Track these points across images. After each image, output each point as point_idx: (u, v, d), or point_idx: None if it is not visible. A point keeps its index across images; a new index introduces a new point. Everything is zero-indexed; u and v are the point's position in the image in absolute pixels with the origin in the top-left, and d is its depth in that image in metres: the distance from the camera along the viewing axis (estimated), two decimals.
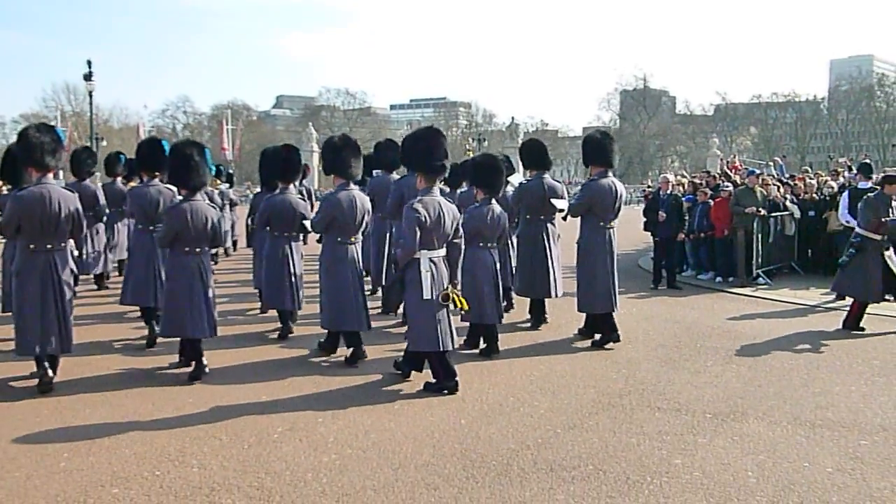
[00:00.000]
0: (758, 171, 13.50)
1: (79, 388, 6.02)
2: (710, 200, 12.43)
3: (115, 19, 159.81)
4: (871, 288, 8.27)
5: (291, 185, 8.21)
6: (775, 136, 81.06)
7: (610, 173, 7.78)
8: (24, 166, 6.15)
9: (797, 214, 12.85)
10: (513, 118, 63.06)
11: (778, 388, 6.11)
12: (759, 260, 11.89)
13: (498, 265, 7.19)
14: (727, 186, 12.73)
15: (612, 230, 7.67)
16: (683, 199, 12.29)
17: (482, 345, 7.26)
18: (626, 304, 10.13)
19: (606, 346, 7.52)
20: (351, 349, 6.88)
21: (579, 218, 7.82)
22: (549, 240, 8.35)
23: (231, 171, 20.13)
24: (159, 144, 8.12)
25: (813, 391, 6.02)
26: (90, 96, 36.31)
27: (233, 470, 4.38)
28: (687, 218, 12.02)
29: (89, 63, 34.01)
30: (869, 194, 8.84)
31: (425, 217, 5.76)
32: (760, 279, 11.78)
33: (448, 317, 5.95)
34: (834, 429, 5.12)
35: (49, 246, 5.91)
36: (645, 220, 12.09)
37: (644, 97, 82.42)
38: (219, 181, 14.91)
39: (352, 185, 6.96)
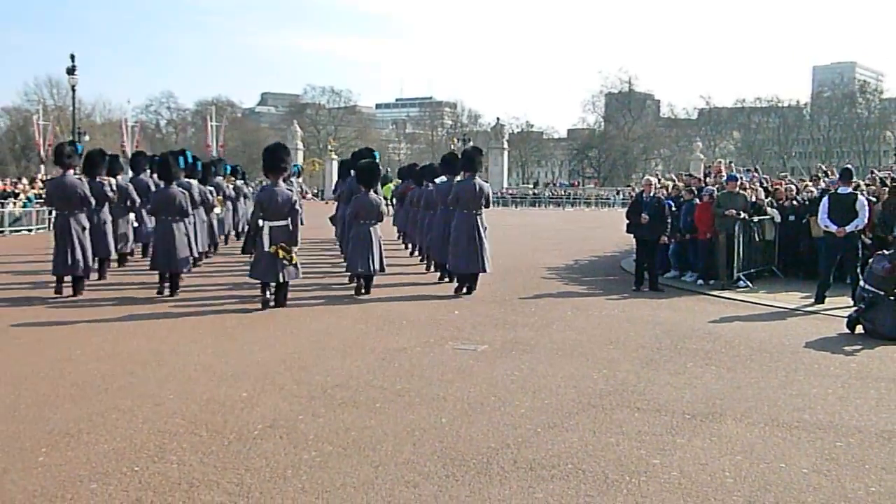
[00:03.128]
0: (738, 176, 13.60)
1: (56, 382, 5.98)
2: (696, 198, 12.56)
3: (98, 14, 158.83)
4: None
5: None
6: (758, 140, 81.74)
7: (477, 176, 11.10)
8: None
9: (777, 219, 12.97)
10: (498, 119, 62.67)
11: (756, 389, 6.17)
12: (741, 263, 11.99)
13: (377, 235, 10.60)
14: (711, 189, 12.83)
15: (478, 216, 10.88)
16: (666, 202, 12.37)
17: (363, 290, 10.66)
18: (608, 306, 10.22)
19: (464, 293, 10.62)
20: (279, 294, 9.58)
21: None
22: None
23: (243, 169, 23.82)
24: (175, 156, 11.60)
25: (790, 393, 6.08)
26: (73, 90, 36.01)
27: (212, 466, 4.37)
28: (670, 220, 12.09)
29: (72, 57, 33.65)
30: None
31: (262, 200, 9.43)
32: (741, 282, 11.88)
33: (272, 260, 9.17)
34: (810, 430, 5.18)
35: None
36: (628, 222, 12.14)
37: (629, 100, 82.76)
38: (234, 178, 18.67)
39: (280, 182, 9.63)
